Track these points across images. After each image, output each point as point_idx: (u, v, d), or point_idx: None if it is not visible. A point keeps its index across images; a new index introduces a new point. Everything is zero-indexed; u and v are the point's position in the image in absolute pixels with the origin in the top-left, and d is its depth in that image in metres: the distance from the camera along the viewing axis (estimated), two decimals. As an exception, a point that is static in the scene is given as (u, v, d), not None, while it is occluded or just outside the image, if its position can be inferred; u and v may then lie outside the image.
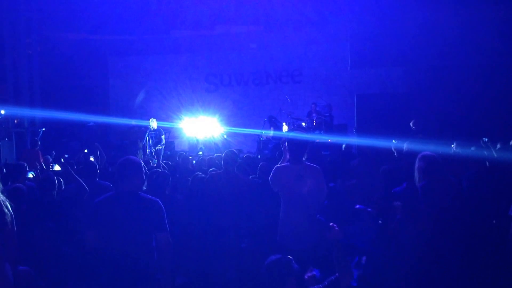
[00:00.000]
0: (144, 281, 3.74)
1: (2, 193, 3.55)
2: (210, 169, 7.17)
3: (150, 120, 12.84)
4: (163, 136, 12.86)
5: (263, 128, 14.58)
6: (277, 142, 13.76)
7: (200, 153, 12.91)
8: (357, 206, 4.40)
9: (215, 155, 9.13)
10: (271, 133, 14.31)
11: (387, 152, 7.43)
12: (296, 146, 5.00)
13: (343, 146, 9.29)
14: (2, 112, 14.58)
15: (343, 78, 16.38)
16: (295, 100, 15.99)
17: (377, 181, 5.42)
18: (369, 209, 4.34)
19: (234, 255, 5.75)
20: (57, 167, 8.42)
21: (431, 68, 14.37)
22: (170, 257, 3.89)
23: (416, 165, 4.58)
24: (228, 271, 5.55)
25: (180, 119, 15.58)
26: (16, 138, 14.25)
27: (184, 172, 8.00)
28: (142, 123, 13.38)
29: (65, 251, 4.94)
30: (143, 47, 17.53)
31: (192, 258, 5.46)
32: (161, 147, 12.71)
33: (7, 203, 3.55)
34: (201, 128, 15.20)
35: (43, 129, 13.08)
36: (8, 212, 3.53)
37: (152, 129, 12.71)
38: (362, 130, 13.58)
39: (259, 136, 14.25)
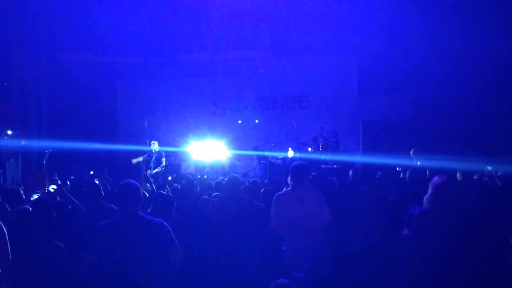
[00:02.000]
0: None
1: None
2: (214, 193, 7.19)
3: (152, 142, 12.99)
4: (163, 159, 13.00)
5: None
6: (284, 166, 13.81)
7: (205, 176, 12.92)
8: None
9: (219, 178, 9.14)
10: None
11: (395, 178, 7.44)
12: (298, 171, 5.07)
13: (350, 172, 9.27)
14: (9, 132, 14.66)
15: (349, 104, 16.44)
16: (302, 126, 16.02)
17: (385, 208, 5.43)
18: None
19: (240, 278, 5.71)
20: (51, 188, 8.41)
21: (436, 95, 14.40)
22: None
23: None
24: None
25: (186, 142, 15.62)
26: (22, 160, 14.29)
27: (190, 195, 7.99)
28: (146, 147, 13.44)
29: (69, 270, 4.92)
30: (151, 70, 17.67)
31: (198, 281, 5.42)
32: (160, 169, 12.82)
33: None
34: (208, 151, 15.23)
35: (50, 150, 13.11)
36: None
37: (153, 151, 12.87)
38: (367, 156, 13.58)
39: (265, 159, 14.23)
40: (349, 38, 15.28)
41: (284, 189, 5.42)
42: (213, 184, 8.90)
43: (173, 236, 3.89)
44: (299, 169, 5.12)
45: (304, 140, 15.15)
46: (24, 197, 6.94)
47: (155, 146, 12.98)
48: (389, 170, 10.22)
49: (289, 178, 5.34)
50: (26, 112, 15.55)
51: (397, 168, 10.50)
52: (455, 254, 3.98)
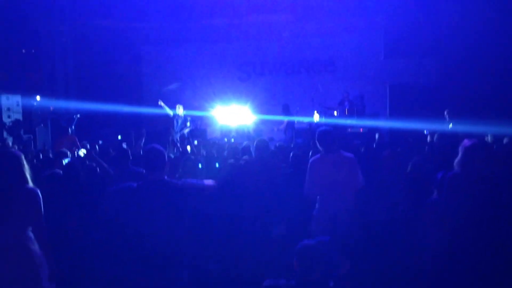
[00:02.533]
0: (175, 266, 3.79)
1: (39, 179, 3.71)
2: (243, 157, 7.20)
3: (177, 106, 13.13)
4: (188, 123, 13.33)
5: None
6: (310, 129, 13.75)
7: (232, 140, 13.00)
8: None
9: (245, 142, 9.16)
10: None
11: (420, 142, 7.34)
12: (324, 137, 5.07)
13: (377, 135, 9.19)
14: (38, 98, 14.90)
15: (376, 68, 16.17)
16: (327, 90, 15.87)
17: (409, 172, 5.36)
18: None
19: (267, 242, 5.78)
20: (81, 152, 8.56)
21: (465, 59, 14.10)
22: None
23: None
24: (259, 257, 5.57)
25: (212, 107, 15.65)
26: (52, 125, 14.55)
27: (218, 159, 8.03)
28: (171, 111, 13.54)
29: (95, 236, 5.04)
30: (176, 36, 17.62)
31: (224, 245, 5.50)
32: (187, 130, 13.07)
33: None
34: (234, 116, 15.25)
35: (78, 115, 13.31)
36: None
37: (178, 115, 13.04)
38: (394, 120, 13.44)
39: (293, 124, 14.19)
40: (375, 0, 14.97)
41: (310, 154, 5.39)
42: (239, 148, 8.91)
43: (196, 202, 3.94)
44: (325, 135, 5.11)
45: (330, 104, 15.02)
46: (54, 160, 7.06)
47: (180, 111, 13.14)
48: (417, 134, 10.11)
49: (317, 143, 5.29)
50: (54, 78, 15.78)
51: (425, 132, 10.38)
52: (487, 219, 3.89)
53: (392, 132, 12.64)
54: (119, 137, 11.92)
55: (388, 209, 4.82)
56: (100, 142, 11.70)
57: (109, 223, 4.18)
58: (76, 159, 7.88)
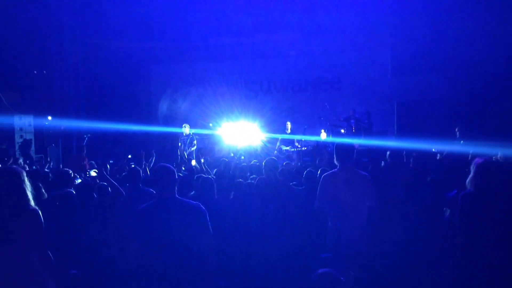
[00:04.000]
0: (190, 283, 3.77)
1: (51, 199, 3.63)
2: (252, 176, 7.24)
3: (183, 126, 13.26)
4: (195, 141, 13.31)
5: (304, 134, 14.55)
6: (315, 147, 13.77)
7: (243, 157, 13.04)
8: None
9: (253, 161, 9.20)
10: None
11: (431, 160, 7.33)
12: (344, 152, 5.03)
13: (388, 153, 9.16)
14: (49, 118, 15.05)
15: (383, 85, 16.26)
16: (334, 107, 15.92)
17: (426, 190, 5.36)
18: None
19: (279, 260, 5.78)
20: (93, 173, 8.61)
21: (471, 76, 14.15)
22: (212, 259, 3.90)
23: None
24: (272, 270, 5.57)
25: (219, 125, 15.72)
26: (63, 144, 14.69)
27: (225, 178, 8.06)
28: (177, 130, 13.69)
29: (110, 255, 5.07)
30: (184, 55, 17.78)
31: (236, 262, 5.51)
32: (194, 148, 13.15)
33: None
34: (241, 134, 15.29)
35: (88, 135, 13.44)
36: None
37: (184, 134, 13.12)
38: (402, 137, 13.45)
39: (296, 142, 14.23)
40: (382, 18, 15.08)
41: (319, 171, 5.39)
42: (247, 167, 8.93)
43: (208, 221, 3.89)
44: (342, 149, 5.07)
45: (337, 122, 15.07)
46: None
47: (186, 130, 13.26)
48: (425, 152, 10.10)
49: (334, 159, 5.25)
50: (65, 98, 15.95)
51: (433, 149, 10.36)
52: (505, 237, 3.88)
53: (400, 150, 12.63)
54: (129, 156, 12.01)
55: (401, 227, 4.81)
56: (111, 161, 11.77)
57: (123, 242, 4.17)
58: (88, 178, 7.94)
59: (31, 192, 3.68)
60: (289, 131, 14.29)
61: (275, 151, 14.14)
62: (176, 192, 3.92)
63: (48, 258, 3.68)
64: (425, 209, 4.90)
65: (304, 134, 14.44)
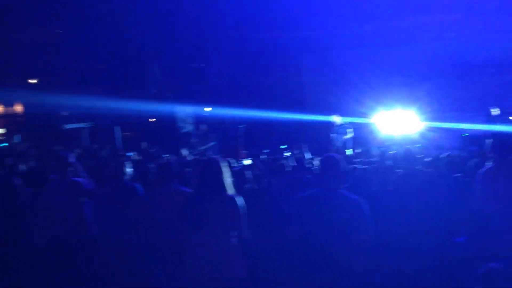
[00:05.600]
0: (340, 278, 3.69)
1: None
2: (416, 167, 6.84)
3: (333, 116, 13.25)
4: (349, 130, 13.35)
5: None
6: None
7: (412, 147, 12.46)
8: None
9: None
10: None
11: None
12: (502, 143, 4.50)
13: None
14: (208, 109, 15.87)
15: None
16: (503, 93, 14.52)
17: None
18: None
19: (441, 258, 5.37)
20: (247, 162, 8.90)
21: None
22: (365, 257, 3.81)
23: None
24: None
25: (374, 114, 15.27)
26: (220, 134, 15.37)
27: (384, 168, 7.74)
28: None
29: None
30: (337, 43, 17.55)
31: (394, 257, 5.23)
32: (347, 136, 13.17)
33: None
34: (397, 123, 14.70)
35: (244, 125, 13.92)
36: None
37: (337, 124, 12.97)
38: None
39: (461, 131, 13.27)
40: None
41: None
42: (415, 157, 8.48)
43: (368, 218, 3.79)
44: (505, 139, 4.54)
45: (507, 108, 13.71)
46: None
47: (337, 119, 13.10)
48: None
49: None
50: (222, 90, 16.77)
51: None
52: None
53: None
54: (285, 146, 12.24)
55: None
56: (266, 150, 12.00)
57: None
58: (242, 166, 8.16)
59: (229, 180, 4.13)
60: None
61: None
62: (338, 184, 3.89)
63: (244, 241, 4.09)
64: None
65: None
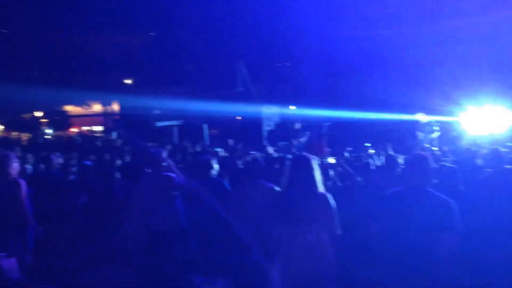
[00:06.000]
0: (421, 279, 3.63)
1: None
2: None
3: (417, 114, 13.20)
4: (435, 128, 13.06)
5: None
6: None
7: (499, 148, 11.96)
8: None
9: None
10: None
11: None
12: None
13: None
14: (292, 108, 16.04)
15: None
16: None
17: None
18: None
19: None
20: (331, 160, 8.92)
21: None
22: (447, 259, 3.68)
23: None
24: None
25: (461, 111, 14.75)
26: (304, 132, 15.51)
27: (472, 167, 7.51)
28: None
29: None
30: (422, 39, 17.13)
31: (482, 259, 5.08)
32: (433, 135, 12.87)
33: None
34: (484, 121, 14.10)
35: (328, 123, 14.00)
36: None
37: (421, 122, 12.98)
38: None
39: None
40: None
41: None
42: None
43: (455, 219, 3.64)
44: None
45: None
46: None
47: (422, 118, 12.84)
48: None
49: None
50: (306, 88, 16.92)
51: None
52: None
53: None
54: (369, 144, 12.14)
55: None
56: (349, 149, 11.97)
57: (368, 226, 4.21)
58: (325, 164, 8.24)
59: (320, 178, 4.08)
60: None
61: None
62: (426, 183, 3.80)
63: (335, 238, 4.00)
64: None
65: None
